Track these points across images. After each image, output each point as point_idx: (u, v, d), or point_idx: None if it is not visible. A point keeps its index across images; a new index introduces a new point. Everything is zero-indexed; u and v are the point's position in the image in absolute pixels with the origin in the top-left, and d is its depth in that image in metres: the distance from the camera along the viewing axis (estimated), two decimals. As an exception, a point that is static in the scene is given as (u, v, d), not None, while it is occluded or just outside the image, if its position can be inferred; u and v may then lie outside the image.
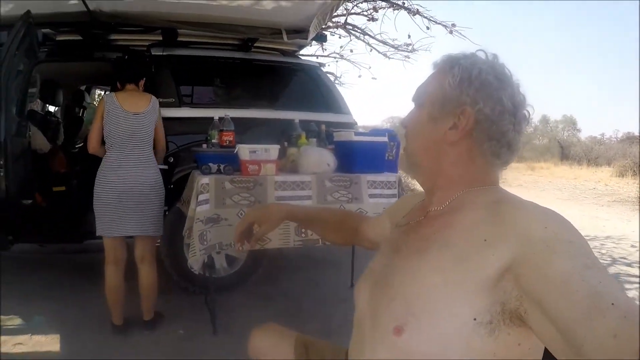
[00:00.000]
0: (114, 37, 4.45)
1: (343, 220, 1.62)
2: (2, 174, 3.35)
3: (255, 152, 3.18)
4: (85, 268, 4.61)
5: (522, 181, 17.49)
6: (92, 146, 3.25)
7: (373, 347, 1.02)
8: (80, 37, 4.34)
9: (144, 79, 3.45)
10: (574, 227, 0.87)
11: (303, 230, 3.18)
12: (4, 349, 3.06)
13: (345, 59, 9.91)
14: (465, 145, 1.06)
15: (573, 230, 0.87)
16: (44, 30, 4.13)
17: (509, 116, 1.03)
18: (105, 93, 6.98)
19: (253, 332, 1.53)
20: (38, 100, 5.78)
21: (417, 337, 0.91)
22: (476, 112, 1.02)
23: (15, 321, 3.52)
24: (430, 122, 1.09)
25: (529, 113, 1.08)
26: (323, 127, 3.81)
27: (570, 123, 36.12)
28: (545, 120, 37.27)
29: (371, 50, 9.26)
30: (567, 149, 31.17)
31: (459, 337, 0.87)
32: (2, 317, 3.54)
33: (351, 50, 9.58)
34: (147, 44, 4.37)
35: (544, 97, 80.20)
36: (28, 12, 3.47)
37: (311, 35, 4.22)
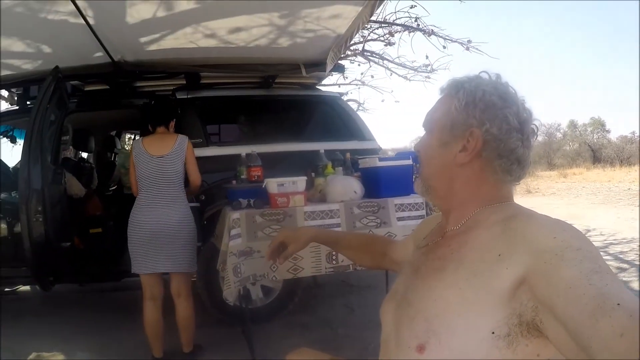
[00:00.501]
0: (139, 84, 4.61)
1: (369, 244, 1.68)
2: (41, 219, 3.50)
3: (283, 185, 3.24)
4: (124, 305, 4.73)
5: (555, 189, 17.20)
6: (133, 190, 3.47)
7: None
8: (107, 86, 4.52)
9: (174, 120, 3.59)
10: (584, 235, 0.91)
11: (334, 257, 3.22)
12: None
13: (367, 85, 9.91)
14: (476, 165, 1.10)
15: (582, 238, 0.90)
16: (72, 82, 4.31)
17: (517, 133, 1.07)
18: (135, 138, 7.18)
19: (288, 356, 1.58)
20: (71, 148, 5.99)
21: (439, 354, 0.94)
22: (484, 133, 1.06)
23: (58, 357, 3.65)
24: (441, 147, 1.13)
25: (536, 127, 1.12)
26: (348, 155, 3.86)
27: (599, 125, 35.44)
28: (573, 125, 36.71)
29: (391, 75, 9.27)
30: (598, 152, 30.60)
31: (478, 351, 0.90)
32: (46, 354, 3.68)
33: (372, 76, 9.59)
34: (171, 88, 4.51)
35: (570, 102, 79.07)
36: (56, 67, 3.67)
37: (329, 67, 4.30)
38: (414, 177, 3.60)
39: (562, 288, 0.80)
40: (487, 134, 1.06)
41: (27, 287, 5.28)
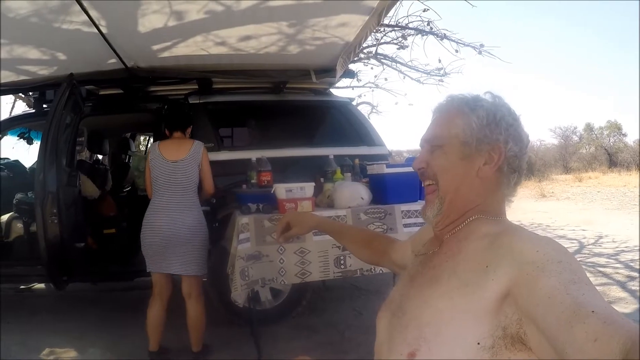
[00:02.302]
0: (152, 88, 4.70)
1: (371, 240, 1.71)
2: (56, 221, 3.59)
3: (291, 191, 3.27)
4: (136, 304, 4.79)
5: (570, 193, 16.99)
6: (148, 192, 3.56)
7: None
8: (121, 91, 4.61)
9: (191, 126, 3.69)
10: (566, 250, 0.96)
11: (342, 262, 3.27)
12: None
13: (380, 87, 9.95)
14: (494, 178, 1.15)
15: (564, 252, 0.94)
16: (87, 87, 4.40)
17: (526, 149, 1.15)
18: (149, 140, 7.27)
19: None
20: (86, 150, 6.10)
21: None
22: (508, 150, 1.13)
23: (71, 354, 3.75)
24: (463, 160, 1.15)
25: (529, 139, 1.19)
26: (357, 161, 3.90)
27: (615, 128, 34.88)
28: (589, 128, 36.19)
29: (404, 78, 9.30)
30: (614, 156, 30.16)
31: None
32: (60, 350, 3.79)
33: (385, 79, 9.64)
34: (184, 93, 4.59)
35: (586, 104, 78.25)
36: (71, 74, 3.80)
37: (338, 73, 4.33)
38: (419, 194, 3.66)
39: (541, 297, 0.83)
40: (510, 150, 1.13)
41: (42, 285, 5.39)
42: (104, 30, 3.37)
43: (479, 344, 0.93)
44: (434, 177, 1.20)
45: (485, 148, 1.13)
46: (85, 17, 3.10)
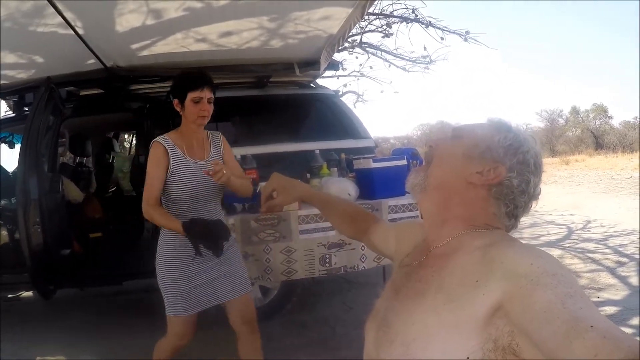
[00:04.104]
0: (134, 87, 4.61)
1: (356, 217, 1.65)
2: (39, 230, 3.52)
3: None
4: (126, 308, 4.78)
5: (557, 177, 17.15)
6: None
7: None
8: (102, 91, 4.54)
9: None
10: (559, 262, 0.93)
11: (327, 260, 3.26)
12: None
13: (366, 76, 10.01)
14: (481, 192, 1.12)
15: (558, 264, 0.92)
16: (67, 88, 4.32)
17: (526, 197, 1.11)
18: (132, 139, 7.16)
19: None
20: (68, 153, 6.01)
21: None
22: (506, 177, 1.09)
23: (62, 361, 3.68)
24: (464, 157, 1.13)
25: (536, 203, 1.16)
26: (343, 155, 3.87)
27: (601, 111, 35.23)
28: (575, 111, 36.49)
29: (390, 66, 9.33)
30: (600, 138, 30.57)
31: None
32: (50, 358, 3.74)
33: (371, 67, 9.70)
34: (166, 91, 4.49)
35: (572, 88, 78.74)
36: (48, 78, 3.72)
37: (323, 66, 4.30)
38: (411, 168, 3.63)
39: (537, 311, 0.81)
40: (508, 180, 1.09)
41: (30, 293, 5.33)
42: (80, 31, 3.30)
43: (468, 358, 0.91)
44: (431, 160, 1.20)
45: (488, 162, 1.11)
46: (60, 19, 3.03)
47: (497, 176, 1.09)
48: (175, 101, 2.59)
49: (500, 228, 1.14)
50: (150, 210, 2.46)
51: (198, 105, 2.53)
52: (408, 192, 3.45)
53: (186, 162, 2.57)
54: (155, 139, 2.57)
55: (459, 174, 1.13)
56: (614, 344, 0.70)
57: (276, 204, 1.56)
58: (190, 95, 2.51)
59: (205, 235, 2.41)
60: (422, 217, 1.30)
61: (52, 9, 2.88)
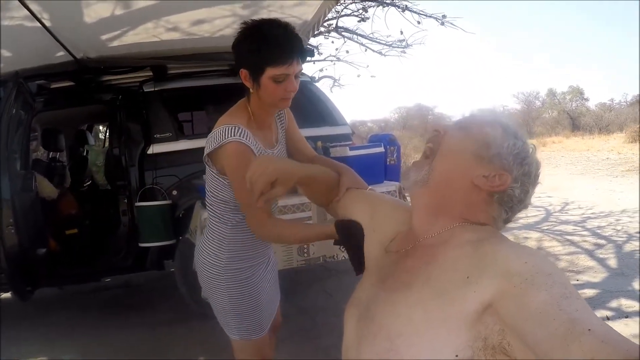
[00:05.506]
0: (106, 78, 4.53)
1: (333, 186, 1.59)
2: (13, 231, 3.44)
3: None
4: (106, 305, 4.71)
5: (534, 159, 17.31)
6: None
7: None
8: (72, 83, 4.44)
9: None
10: (553, 262, 0.92)
11: (305, 250, 3.23)
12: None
13: (342, 60, 9.99)
14: (483, 195, 1.09)
15: (552, 264, 0.91)
16: (38, 82, 4.22)
17: (521, 206, 1.11)
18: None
19: None
20: (41, 148, 5.90)
21: None
22: (510, 187, 1.07)
23: (43, 361, 3.62)
24: (473, 157, 1.10)
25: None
26: (319, 144, 3.83)
27: (578, 93, 35.65)
28: (552, 93, 36.89)
29: (366, 50, 9.34)
30: (577, 120, 30.89)
31: None
32: (32, 359, 3.65)
33: (347, 52, 9.69)
34: (139, 81, 4.44)
35: (548, 70, 79.44)
36: (16, 72, 3.63)
37: (297, 53, 4.25)
38: (388, 160, 3.61)
39: (531, 312, 0.80)
40: (511, 190, 1.07)
41: (8, 294, 5.24)
42: (47, 23, 3.21)
43: (457, 356, 0.88)
44: (435, 151, 1.15)
45: (496, 167, 1.08)
46: (26, 12, 2.95)
47: (502, 184, 1.07)
48: (244, 72, 1.83)
49: (490, 224, 1.12)
50: (268, 225, 1.75)
51: (282, 85, 1.77)
52: (387, 181, 3.48)
53: (265, 154, 1.94)
54: (231, 138, 1.82)
55: (465, 173, 1.10)
56: (612, 348, 0.69)
57: (274, 194, 1.35)
58: (271, 72, 1.74)
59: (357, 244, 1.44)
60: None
61: (17, 2, 2.80)
